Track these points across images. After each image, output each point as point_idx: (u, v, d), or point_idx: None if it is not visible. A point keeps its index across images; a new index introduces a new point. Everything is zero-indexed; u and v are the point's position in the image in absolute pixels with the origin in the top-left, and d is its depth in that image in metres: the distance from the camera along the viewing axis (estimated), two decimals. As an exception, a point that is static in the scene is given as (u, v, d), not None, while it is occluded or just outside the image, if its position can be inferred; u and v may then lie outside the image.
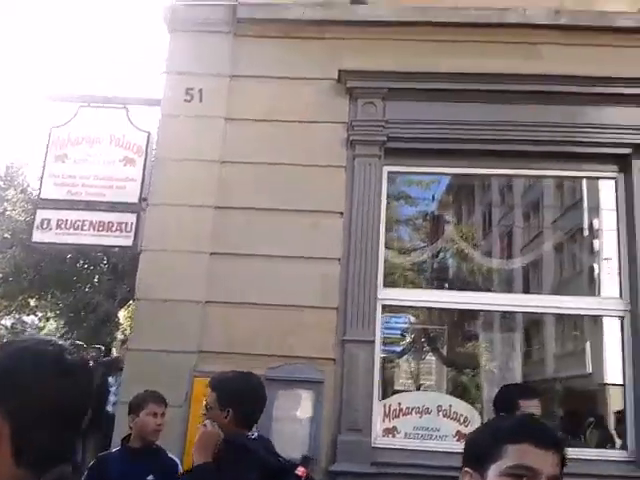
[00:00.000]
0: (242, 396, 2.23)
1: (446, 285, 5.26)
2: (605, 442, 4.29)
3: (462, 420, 3.92)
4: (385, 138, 3.94)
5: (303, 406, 3.70)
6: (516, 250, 5.49)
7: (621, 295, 3.96)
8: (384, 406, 3.92)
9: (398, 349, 5.54)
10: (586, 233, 4.89)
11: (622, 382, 3.91)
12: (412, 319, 5.53)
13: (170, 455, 3.13)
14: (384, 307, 4.11)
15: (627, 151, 3.96)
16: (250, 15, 3.97)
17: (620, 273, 3.98)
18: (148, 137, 4.10)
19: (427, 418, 3.91)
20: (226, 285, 3.76)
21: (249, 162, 3.89)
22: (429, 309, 5.05)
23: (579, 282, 5.31)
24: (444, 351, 5.83)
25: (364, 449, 3.60)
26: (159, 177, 3.90)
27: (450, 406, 3.96)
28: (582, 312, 4.29)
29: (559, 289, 5.74)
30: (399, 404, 3.97)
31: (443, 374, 5.74)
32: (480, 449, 1.14)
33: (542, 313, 4.78)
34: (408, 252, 4.73)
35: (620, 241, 4.01)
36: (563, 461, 1.12)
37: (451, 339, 5.73)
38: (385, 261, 4.09)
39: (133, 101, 4.25)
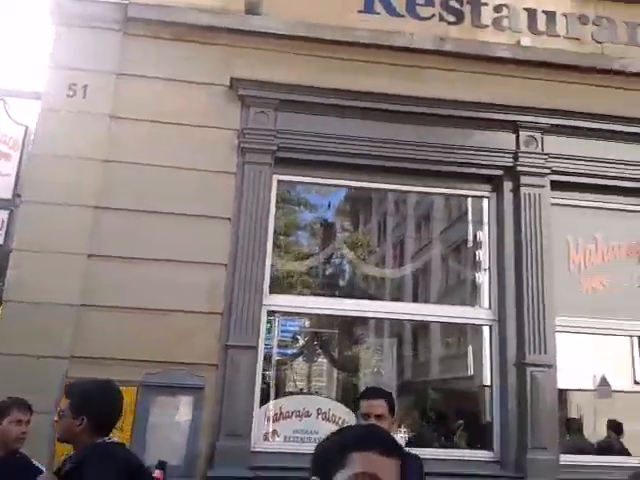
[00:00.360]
0: (96, 403, 2.18)
1: (336, 292, 5.41)
2: (475, 443, 4.60)
3: (341, 422, 4.04)
4: (276, 147, 3.99)
5: (182, 412, 3.67)
6: (405, 259, 5.75)
7: (490, 306, 4.27)
8: (265, 410, 3.98)
9: (289, 352, 5.64)
10: (470, 245, 5.21)
11: (490, 386, 4.21)
12: (306, 323, 5.64)
13: (35, 463, 3.02)
14: (272, 312, 4.17)
15: (499, 173, 4.28)
16: (142, 15, 3.88)
17: (490, 285, 4.29)
18: (26, 131, 3.92)
19: (307, 421, 4.01)
20: (104, 289, 3.65)
21: (134, 162, 3.80)
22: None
23: (461, 291, 5.66)
24: (335, 354, 5.99)
25: (242, 454, 3.63)
26: (35, 173, 3.72)
27: (329, 409, 4.09)
28: (462, 321, 4.56)
29: (443, 298, 6.08)
30: (280, 408, 4.04)
31: (333, 377, 5.89)
32: (327, 458, 1.14)
33: (426, 321, 5.05)
34: (298, 259, 4.81)
35: (491, 256, 4.32)
36: (403, 467, 1.17)
37: (341, 343, 5.90)
38: (273, 267, 4.15)
39: (12, 93, 4.05)
